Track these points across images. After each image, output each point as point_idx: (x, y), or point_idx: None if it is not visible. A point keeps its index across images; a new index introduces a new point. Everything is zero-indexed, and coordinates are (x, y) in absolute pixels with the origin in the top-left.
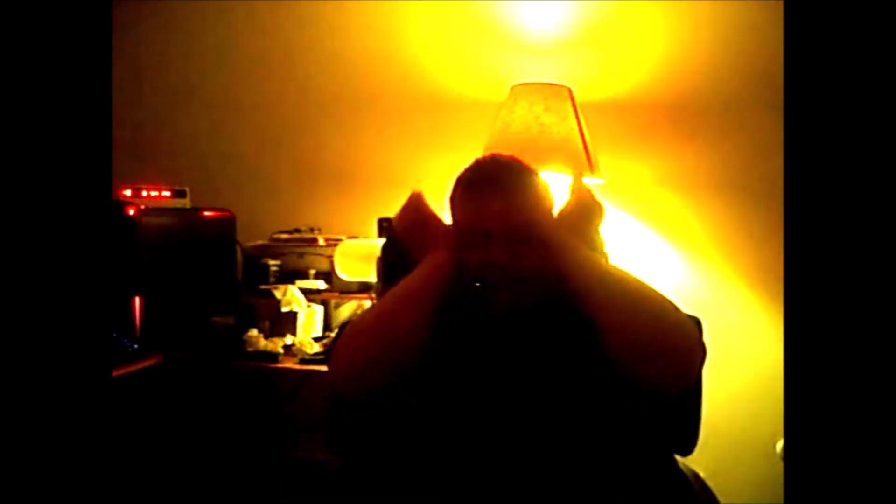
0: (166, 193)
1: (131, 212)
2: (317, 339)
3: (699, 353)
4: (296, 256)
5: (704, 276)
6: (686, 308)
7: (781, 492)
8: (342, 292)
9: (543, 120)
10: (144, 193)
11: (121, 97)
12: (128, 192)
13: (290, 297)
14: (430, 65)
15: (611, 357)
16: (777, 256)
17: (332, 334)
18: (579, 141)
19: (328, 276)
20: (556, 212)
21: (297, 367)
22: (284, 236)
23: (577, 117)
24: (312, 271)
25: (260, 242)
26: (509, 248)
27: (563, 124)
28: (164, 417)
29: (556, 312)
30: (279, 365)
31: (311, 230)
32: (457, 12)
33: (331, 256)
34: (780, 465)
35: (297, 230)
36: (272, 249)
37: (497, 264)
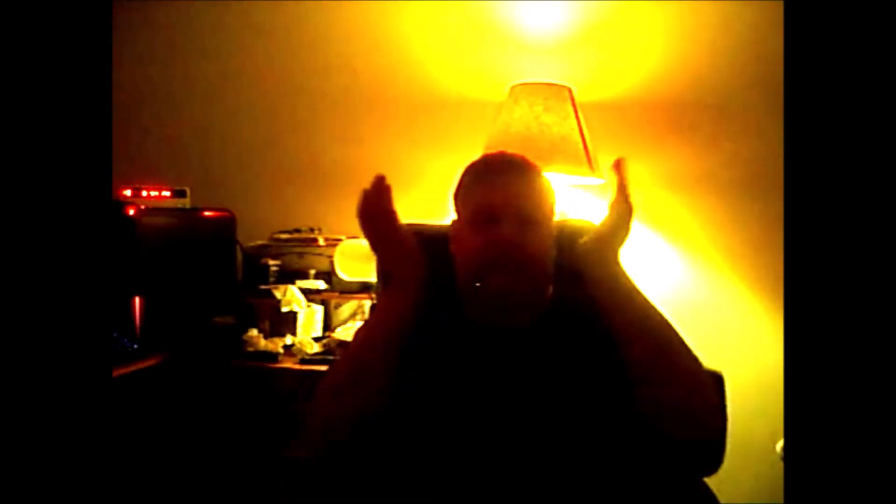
0: (166, 193)
1: (131, 212)
2: (317, 339)
3: (720, 418)
4: (296, 256)
5: (704, 276)
6: (685, 308)
7: (781, 492)
8: (342, 292)
9: (543, 120)
10: (144, 193)
11: (121, 97)
12: (128, 192)
13: (290, 297)
14: (430, 65)
15: (639, 409)
16: (777, 256)
17: (332, 334)
18: (579, 141)
19: (328, 276)
20: (593, 228)
21: (297, 367)
22: (284, 236)
23: (577, 117)
24: (312, 271)
25: (260, 242)
26: (514, 228)
27: (563, 124)
28: (165, 417)
29: (555, 313)
30: (279, 365)
31: (311, 230)
32: (457, 12)
33: (331, 256)
34: (780, 465)
35: (297, 230)
36: (272, 249)
37: (502, 243)
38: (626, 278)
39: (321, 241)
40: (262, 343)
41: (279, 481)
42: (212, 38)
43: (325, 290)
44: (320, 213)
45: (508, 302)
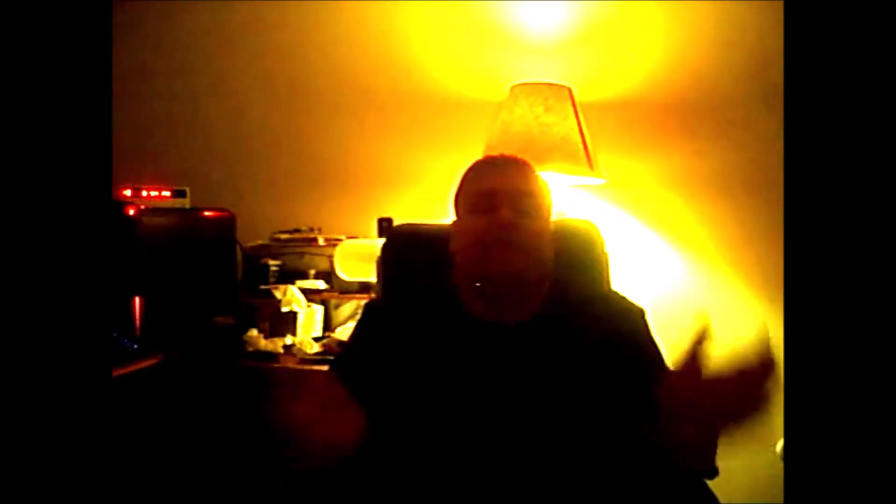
0: (166, 193)
1: (131, 212)
2: (317, 339)
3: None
4: (296, 256)
5: (704, 276)
6: (685, 308)
7: (781, 492)
8: (342, 292)
9: (543, 120)
10: (144, 193)
11: (121, 97)
12: (128, 192)
13: (290, 297)
14: (430, 65)
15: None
16: (777, 256)
17: (332, 334)
18: (579, 141)
19: (328, 276)
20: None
21: (297, 367)
22: (284, 236)
23: (577, 117)
24: (312, 271)
25: (260, 242)
26: (513, 214)
27: (563, 124)
28: (164, 417)
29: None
30: (279, 365)
31: (311, 230)
32: (457, 12)
33: (331, 256)
34: (780, 465)
35: (297, 230)
36: (272, 249)
37: (501, 225)
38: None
39: (321, 241)
40: (262, 343)
41: (279, 481)
42: (212, 38)
43: (325, 290)
44: (320, 213)
45: (507, 283)
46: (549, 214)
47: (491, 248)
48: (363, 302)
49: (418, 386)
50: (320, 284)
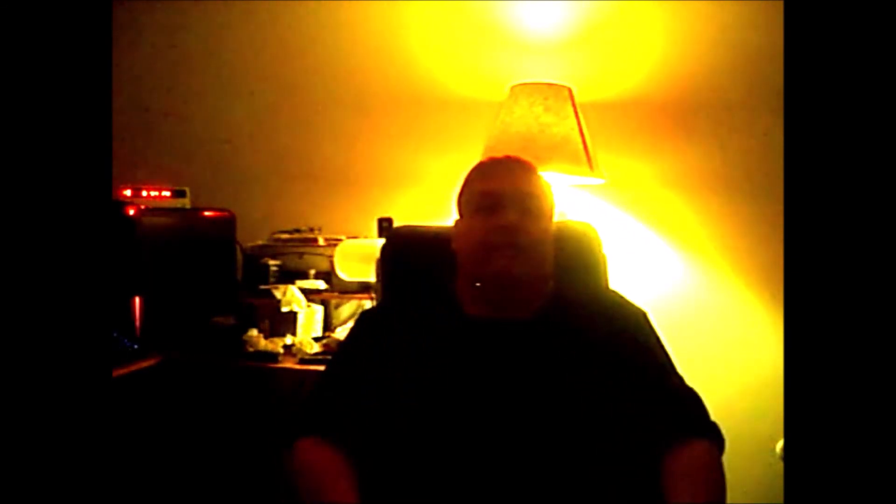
0: (166, 193)
1: (131, 212)
2: (317, 339)
3: None
4: (296, 256)
5: (704, 276)
6: (685, 308)
7: (781, 492)
8: (342, 292)
9: (543, 120)
10: (144, 193)
11: (121, 97)
12: (128, 192)
13: (290, 297)
14: (430, 65)
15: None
16: (777, 256)
17: (332, 334)
18: (579, 141)
19: (328, 276)
20: None
21: (297, 367)
22: (284, 236)
23: (577, 117)
24: (312, 271)
25: (260, 242)
26: (516, 215)
27: (563, 124)
28: (164, 417)
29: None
30: (279, 365)
31: (311, 230)
32: (457, 12)
33: (331, 256)
34: (780, 465)
35: (297, 230)
36: (272, 249)
37: (504, 227)
38: None
39: (321, 241)
40: (262, 343)
41: (280, 481)
42: (212, 38)
43: (325, 290)
44: (320, 213)
45: (509, 284)
46: (551, 216)
47: (494, 250)
48: (363, 302)
49: (418, 386)
50: (320, 284)
